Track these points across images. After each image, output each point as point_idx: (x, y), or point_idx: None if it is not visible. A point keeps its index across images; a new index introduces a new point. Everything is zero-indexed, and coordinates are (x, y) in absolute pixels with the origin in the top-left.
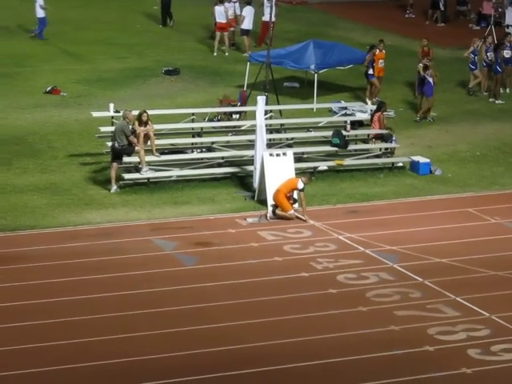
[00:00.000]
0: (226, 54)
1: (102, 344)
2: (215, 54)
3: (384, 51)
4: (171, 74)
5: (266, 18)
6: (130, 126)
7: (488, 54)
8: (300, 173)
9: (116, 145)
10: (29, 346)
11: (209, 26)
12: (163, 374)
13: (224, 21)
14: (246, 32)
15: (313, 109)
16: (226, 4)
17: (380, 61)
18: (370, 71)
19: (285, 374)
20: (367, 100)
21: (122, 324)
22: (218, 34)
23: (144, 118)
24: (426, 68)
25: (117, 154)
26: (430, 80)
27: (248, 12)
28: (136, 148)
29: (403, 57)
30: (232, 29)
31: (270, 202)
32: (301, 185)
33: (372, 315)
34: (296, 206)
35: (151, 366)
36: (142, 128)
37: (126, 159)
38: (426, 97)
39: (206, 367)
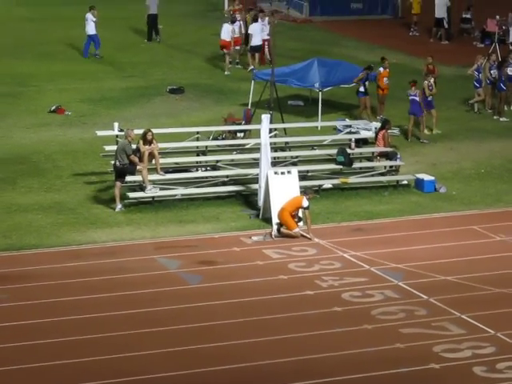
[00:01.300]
0: (226, 72)
1: (106, 363)
2: (226, 72)
3: (388, 69)
4: (176, 93)
5: (264, 37)
6: (134, 145)
7: (492, 71)
8: (302, 188)
9: (117, 163)
10: (34, 365)
11: (214, 45)
12: None
13: (228, 39)
14: (255, 49)
15: (317, 127)
16: (231, 23)
17: (384, 78)
18: (361, 89)
19: None
20: (365, 117)
21: (127, 343)
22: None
23: (149, 136)
24: (414, 85)
25: (119, 173)
26: (417, 99)
27: (255, 29)
28: (138, 167)
29: (407, 74)
30: (237, 47)
31: (275, 220)
32: (306, 203)
33: (377, 333)
34: (301, 224)
35: None
36: (147, 147)
37: (130, 178)
38: (416, 116)
39: None
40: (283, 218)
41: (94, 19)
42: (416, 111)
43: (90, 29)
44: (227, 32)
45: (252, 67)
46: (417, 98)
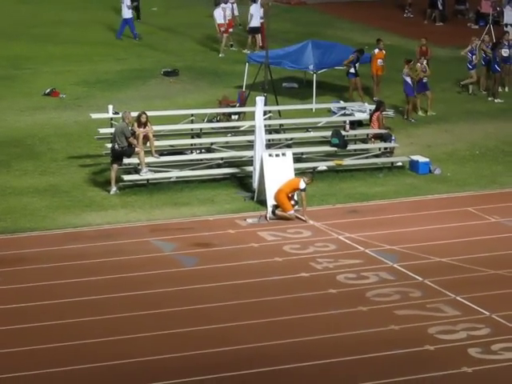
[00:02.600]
0: (220, 55)
1: (102, 345)
2: (221, 55)
3: (384, 51)
4: (170, 75)
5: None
6: (130, 128)
7: (486, 52)
8: (300, 173)
9: (116, 146)
10: (29, 347)
11: (208, 28)
12: (164, 374)
13: (223, 21)
14: (254, 30)
15: (312, 109)
16: (223, 5)
17: (379, 60)
18: (352, 70)
19: (285, 374)
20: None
21: (123, 325)
22: (224, 35)
23: (143, 119)
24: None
25: (117, 156)
26: (408, 79)
27: (254, 10)
28: (136, 149)
29: (402, 56)
30: (231, 30)
31: (270, 202)
32: (303, 185)
33: (372, 315)
34: (296, 207)
35: (152, 368)
36: (142, 129)
37: (125, 161)
38: (407, 96)
39: (206, 368)
40: (279, 199)
41: (128, 4)
42: (407, 91)
43: (126, 12)
44: (220, 15)
45: (247, 51)
46: (408, 79)
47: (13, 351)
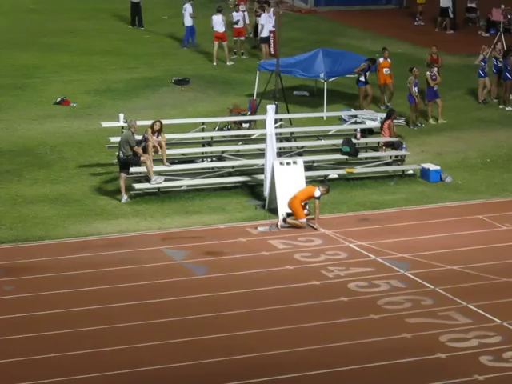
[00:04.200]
0: (228, 63)
1: (112, 354)
2: (215, 63)
3: (389, 60)
4: (181, 84)
5: (269, 28)
6: (140, 136)
7: (497, 60)
8: (311, 181)
9: (121, 155)
10: (40, 356)
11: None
12: (175, 383)
13: (222, 30)
14: (265, 40)
15: (323, 117)
16: (234, 13)
17: (384, 69)
18: (362, 78)
19: (296, 382)
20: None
21: (133, 334)
22: (215, 43)
23: (156, 126)
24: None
25: (123, 164)
26: (412, 88)
27: (265, 20)
28: (142, 158)
29: (413, 64)
30: (242, 38)
31: (281, 210)
32: (317, 193)
33: (384, 323)
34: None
35: (162, 376)
36: (155, 138)
37: (135, 169)
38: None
39: (217, 376)
40: (293, 206)
41: (191, 12)
42: (409, 99)
43: (187, 20)
44: (219, 23)
45: (230, 62)
46: (409, 86)
47: (24, 360)
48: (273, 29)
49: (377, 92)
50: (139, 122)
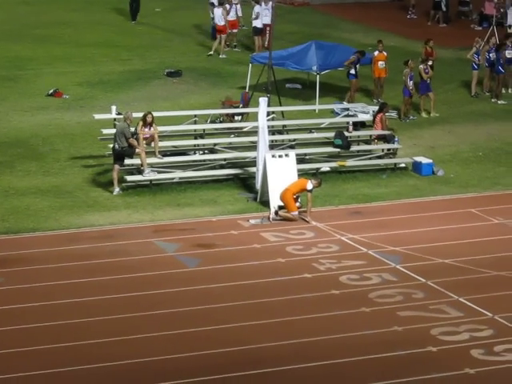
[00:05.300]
0: (221, 56)
1: (104, 346)
2: (211, 52)
3: (384, 52)
4: (173, 76)
5: (265, 21)
6: (133, 128)
7: (490, 54)
8: (303, 174)
9: (116, 146)
10: (32, 348)
11: (211, 28)
12: (166, 375)
13: (222, 23)
14: (258, 32)
15: (315, 110)
16: (227, 5)
17: (380, 62)
18: (352, 71)
19: (288, 375)
20: (345, 101)
21: (125, 326)
22: (219, 36)
23: (149, 119)
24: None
25: (117, 156)
26: (407, 81)
27: (260, 10)
28: (136, 150)
29: (405, 57)
30: (235, 30)
31: (273, 203)
32: (310, 186)
33: (375, 316)
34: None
35: (154, 368)
36: (146, 130)
37: (128, 161)
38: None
39: (209, 369)
40: (285, 199)
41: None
42: (404, 91)
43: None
44: (219, 16)
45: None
46: (404, 79)
47: (17, 351)
48: (269, 22)
49: (370, 84)
50: (133, 114)
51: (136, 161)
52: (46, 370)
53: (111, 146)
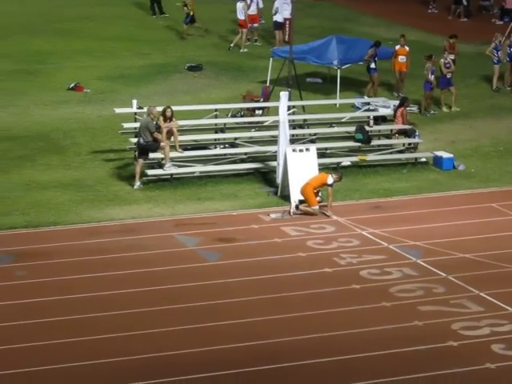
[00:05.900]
0: (241, 50)
1: (123, 340)
2: (231, 45)
3: (406, 47)
4: (194, 70)
5: (285, 15)
6: (155, 122)
7: (511, 48)
8: (324, 168)
9: (141, 141)
10: (52, 341)
11: (233, 22)
12: (184, 370)
13: (242, 17)
14: (278, 26)
15: (336, 104)
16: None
17: (400, 56)
18: (372, 65)
19: (306, 370)
20: (365, 95)
21: (144, 320)
22: (240, 30)
23: (168, 113)
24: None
25: (142, 150)
26: (429, 75)
27: (280, 4)
28: (161, 144)
29: (425, 52)
30: (255, 25)
31: (293, 197)
32: (330, 180)
33: (395, 311)
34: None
35: (172, 362)
36: (166, 124)
37: (149, 155)
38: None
39: (227, 363)
40: (306, 193)
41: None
42: (425, 85)
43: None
44: (240, 10)
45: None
46: (426, 73)
47: (36, 345)
48: (289, 16)
49: (389, 78)
50: (157, 108)
51: (157, 155)
52: (67, 363)
53: (134, 140)
